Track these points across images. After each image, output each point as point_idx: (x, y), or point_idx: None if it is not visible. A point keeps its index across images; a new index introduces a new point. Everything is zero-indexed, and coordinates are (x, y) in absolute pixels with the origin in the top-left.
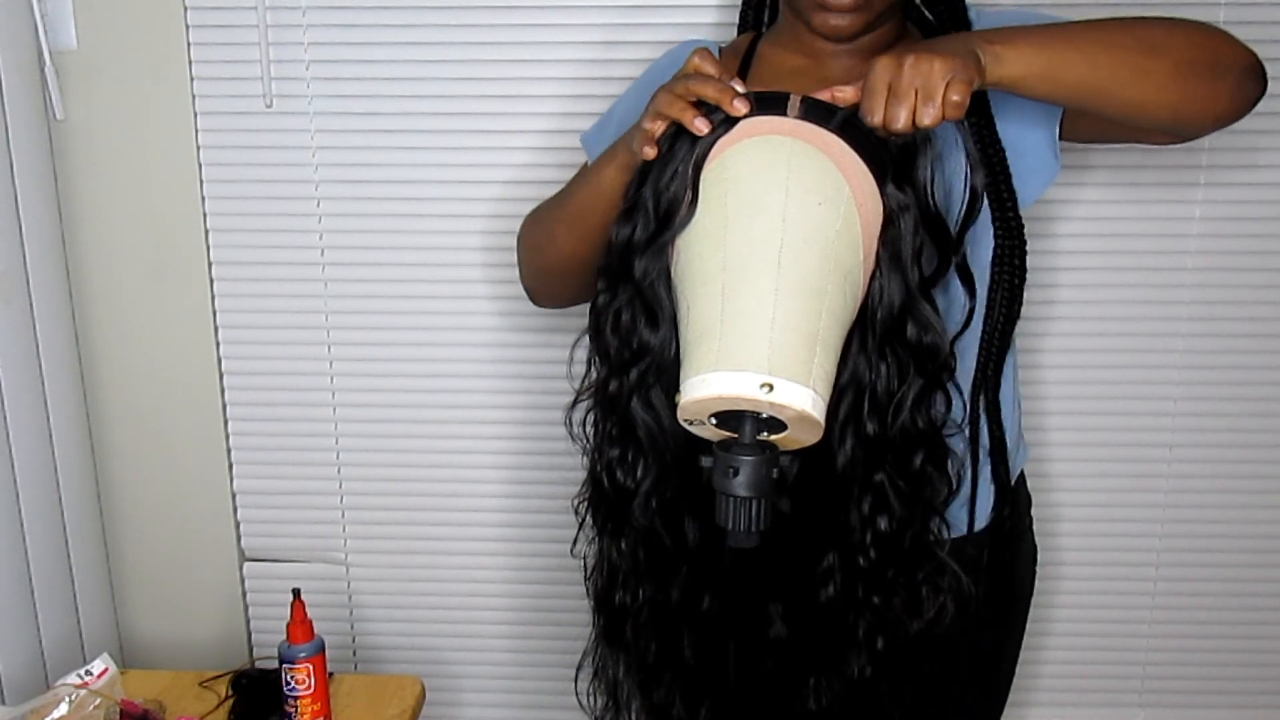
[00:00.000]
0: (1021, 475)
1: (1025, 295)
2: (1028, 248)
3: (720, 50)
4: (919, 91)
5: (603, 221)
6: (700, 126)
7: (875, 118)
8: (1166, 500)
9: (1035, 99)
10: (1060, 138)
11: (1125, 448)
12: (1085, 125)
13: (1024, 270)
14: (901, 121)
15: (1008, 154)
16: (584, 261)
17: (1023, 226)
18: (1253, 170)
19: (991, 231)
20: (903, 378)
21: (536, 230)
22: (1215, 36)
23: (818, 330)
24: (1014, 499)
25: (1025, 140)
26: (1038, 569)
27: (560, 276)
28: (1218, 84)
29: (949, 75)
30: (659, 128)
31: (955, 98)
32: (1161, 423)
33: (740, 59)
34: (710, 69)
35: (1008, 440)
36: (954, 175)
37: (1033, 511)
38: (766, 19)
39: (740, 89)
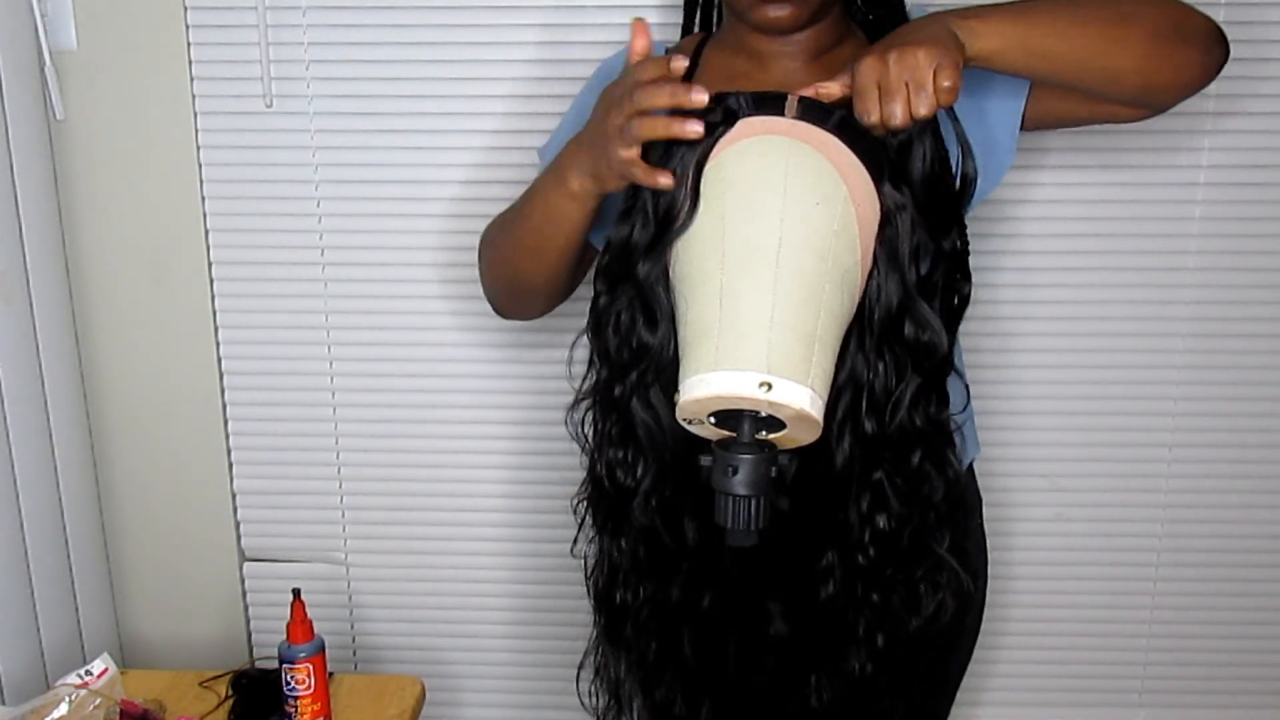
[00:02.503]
0: (971, 474)
1: (1025, 295)
2: (1031, 243)
3: (667, 51)
4: (910, 84)
5: (564, 249)
6: (696, 130)
7: (871, 117)
8: (1166, 500)
9: (1011, 73)
10: (1023, 128)
11: (1125, 448)
12: (1052, 105)
13: (966, 268)
14: (899, 117)
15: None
16: (548, 284)
17: (964, 235)
18: (1253, 170)
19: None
20: (900, 376)
21: (491, 256)
22: (1179, 5)
23: (816, 329)
24: (962, 493)
25: (982, 133)
26: (989, 578)
27: (524, 297)
28: (1188, 50)
29: (935, 61)
30: (636, 153)
31: (946, 83)
32: (1161, 423)
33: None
34: (651, 71)
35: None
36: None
37: (984, 513)
38: (715, 20)
39: (681, 81)
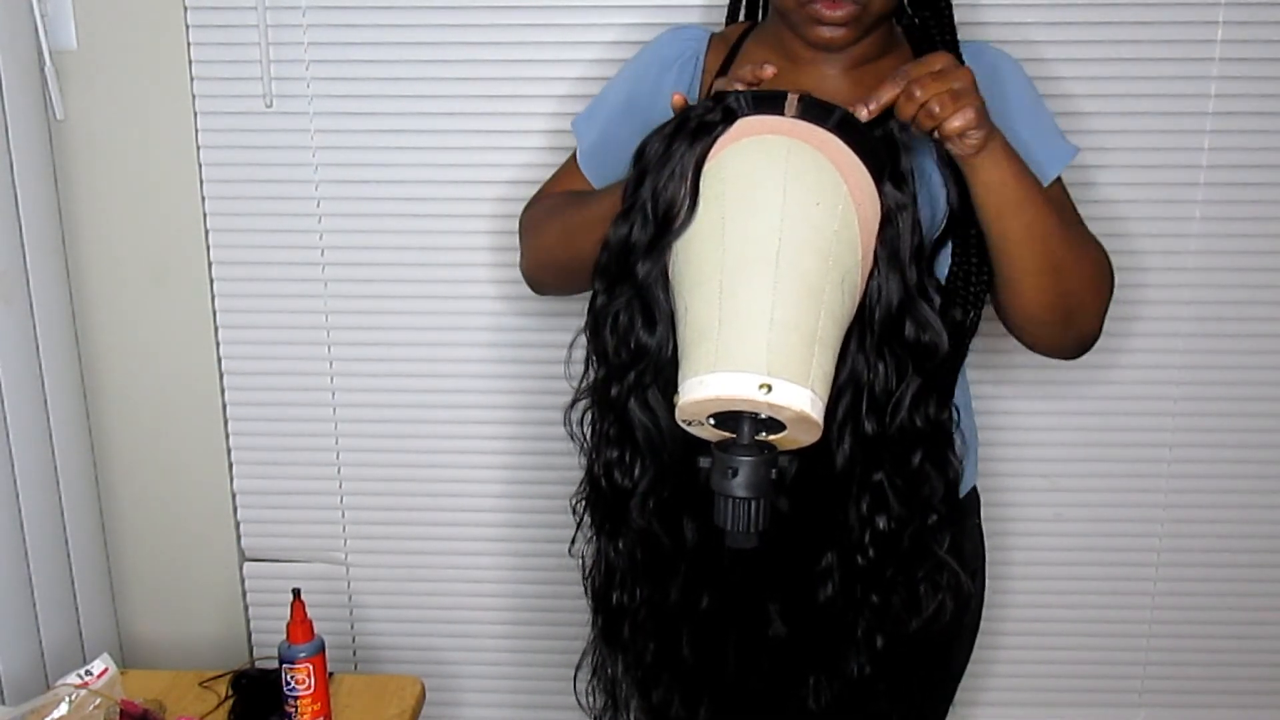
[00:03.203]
0: (976, 501)
1: None
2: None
3: (711, 37)
4: (950, 91)
5: None
6: (769, 71)
7: (916, 71)
8: (1166, 500)
9: (976, 205)
10: None
11: (1125, 448)
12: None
13: (980, 292)
14: (925, 92)
15: None
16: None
17: (985, 253)
18: (1253, 170)
19: (950, 248)
20: (901, 376)
21: (549, 228)
22: (1102, 300)
23: (816, 330)
24: (960, 517)
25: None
26: (987, 578)
27: (573, 274)
28: (1068, 330)
29: (976, 103)
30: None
31: (958, 120)
32: (1161, 423)
33: (728, 50)
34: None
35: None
36: (936, 197)
37: (982, 512)
38: (761, 13)
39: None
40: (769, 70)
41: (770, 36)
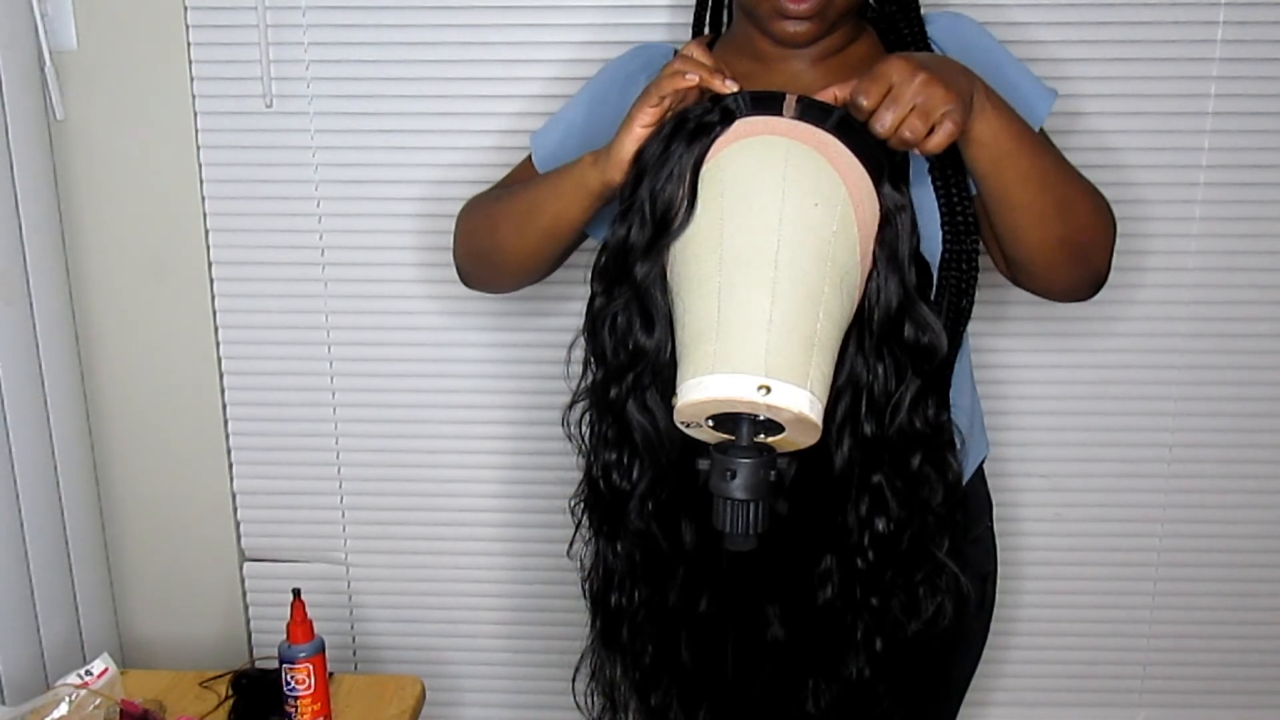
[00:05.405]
0: (981, 476)
1: (1024, 295)
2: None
3: (676, 53)
4: (915, 109)
5: (547, 229)
6: (729, 85)
7: (865, 103)
8: (1166, 500)
9: (971, 164)
10: None
11: (1125, 448)
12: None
13: (973, 273)
14: (886, 125)
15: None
16: (524, 261)
17: (975, 231)
18: (1253, 170)
19: (940, 235)
20: (900, 378)
21: (477, 215)
22: (1109, 232)
23: (815, 331)
24: (964, 498)
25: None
26: (998, 580)
27: (495, 269)
28: (1084, 268)
29: (946, 108)
30: (654, 115)
31: (938, 137)
32: (1161, 423)
33: None
34: (702, 57)
35: (958, 438)
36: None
37: (994, 515)
38: (725, 22)
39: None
40: (730, 85)
41: (738, 40)
